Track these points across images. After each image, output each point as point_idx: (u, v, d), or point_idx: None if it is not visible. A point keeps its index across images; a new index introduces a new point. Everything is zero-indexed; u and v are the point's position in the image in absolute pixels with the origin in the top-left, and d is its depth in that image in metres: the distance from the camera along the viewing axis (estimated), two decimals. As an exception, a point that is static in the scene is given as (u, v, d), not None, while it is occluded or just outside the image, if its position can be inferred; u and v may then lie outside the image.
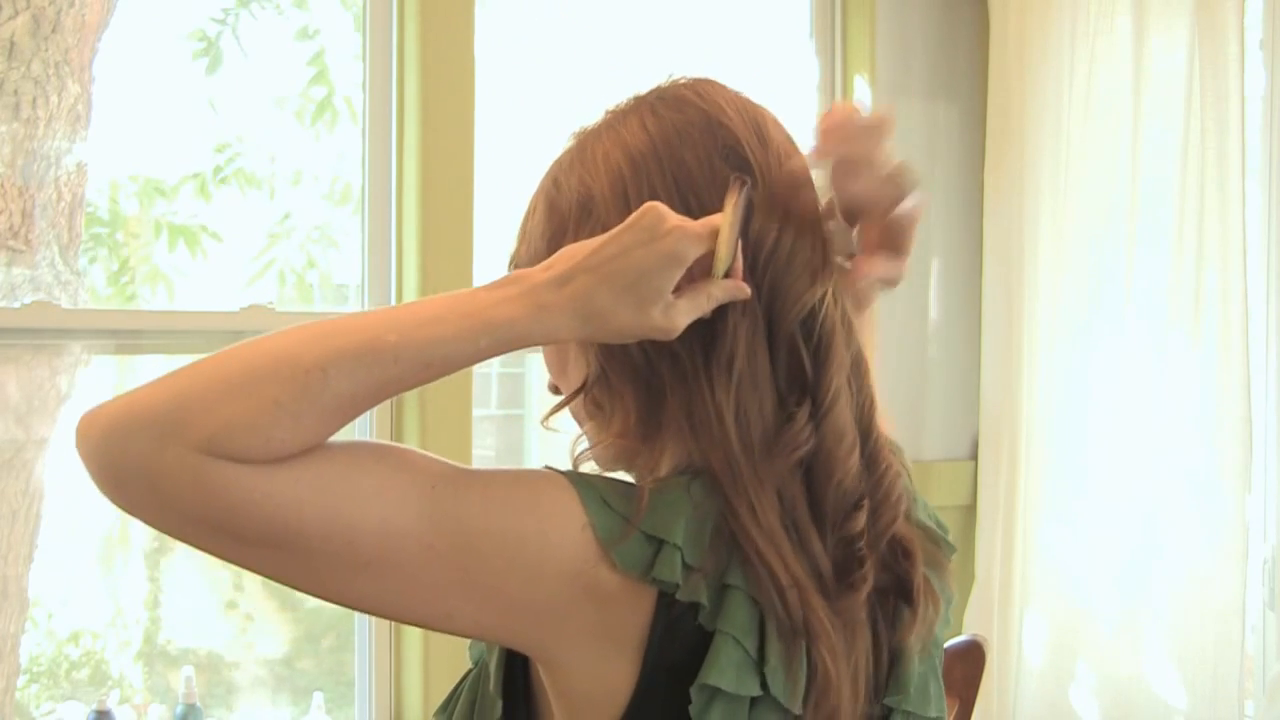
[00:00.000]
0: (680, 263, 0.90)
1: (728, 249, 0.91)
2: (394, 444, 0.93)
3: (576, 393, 1.02)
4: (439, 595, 0.90)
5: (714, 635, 0.92)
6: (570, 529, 0.91)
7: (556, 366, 1.05)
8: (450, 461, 0.93)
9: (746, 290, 0.94)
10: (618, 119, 1.03)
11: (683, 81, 1.04)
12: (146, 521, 0.88)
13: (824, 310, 0.98)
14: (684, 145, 0.99)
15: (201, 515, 0.86)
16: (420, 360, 0.88)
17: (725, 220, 0.91)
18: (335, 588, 0.90)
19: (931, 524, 1.07)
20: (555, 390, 1.07)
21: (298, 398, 0.85)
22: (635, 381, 0.98)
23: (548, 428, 1.08)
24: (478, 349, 0.89)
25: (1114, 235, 2.83)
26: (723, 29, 2.99)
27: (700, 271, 0.92)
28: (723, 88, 1.04)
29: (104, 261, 2.51)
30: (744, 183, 0.91)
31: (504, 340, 0.90)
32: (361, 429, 2.33)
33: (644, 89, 1.04)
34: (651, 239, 0.90)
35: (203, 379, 0.86)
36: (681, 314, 0.92)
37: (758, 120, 1.02)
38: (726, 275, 0.93)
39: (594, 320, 0.90)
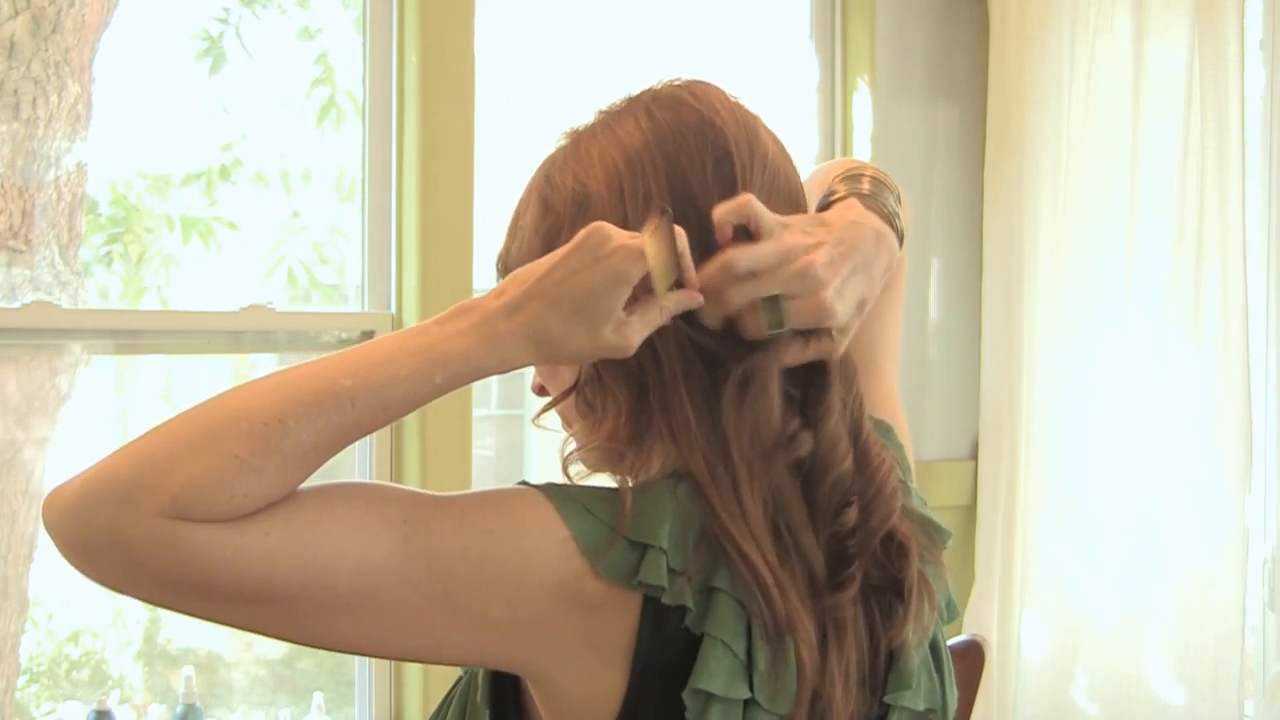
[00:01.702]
0: (625, 281, 0.90)
1: (661, 266, 0.91)
2: (362, 481, 0.94)
3: (568, 392, 1.02)
4: (424, 627, 0.90)
5: (702, 639, 0.92)
6: (549, 544, 0.91)
7: (547, 367, 1.05)
8: (422, 491, 0.93)
9: (699, 298, 0.94)
10: (612, 118, 1.03)
11: (678, 83, 1.04)
12: (121, 591, 0.87)
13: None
14: (679, 145, 0.99)
15: (175, 579, 0.85)
16: (377, 402, 0.88)
17: (647, 241, 0.91)
18: (320, 634, 0.90)
19: (925, 511, 1.07)
20: (540, 391, 1.07)
21: (258, 451, 0.85)
22: (627, 381, 0.98)
23: (539, 426, 1.08)
24: (434, 386, 0.89)
25: (1114, 235, 2.83)
26: (723, 29, 2.99)
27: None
28: (719, 90, 1.04)
29: (116, 259, 2.51)
30: (663, 210, 0.91)
31: (459, 374, 0.90)
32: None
33: (637, 90, 1.04)
34: (595, 260, 0.89)
35: (162, 441, 0.86)
36: (634, 331, 0.91)
37: (750, 125, 1.02)
38: (680, 286, 0.93)
39: (547, 346, 0.90)
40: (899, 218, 1.06)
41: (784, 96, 3.04)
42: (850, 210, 1.01)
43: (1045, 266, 2.87)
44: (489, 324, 0.90)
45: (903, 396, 1.22)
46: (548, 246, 0.98)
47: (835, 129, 3.02)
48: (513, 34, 2.69)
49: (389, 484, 0.93)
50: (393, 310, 2.43)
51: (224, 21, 2.44)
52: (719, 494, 0.94)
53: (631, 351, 0.92)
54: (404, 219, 2.42)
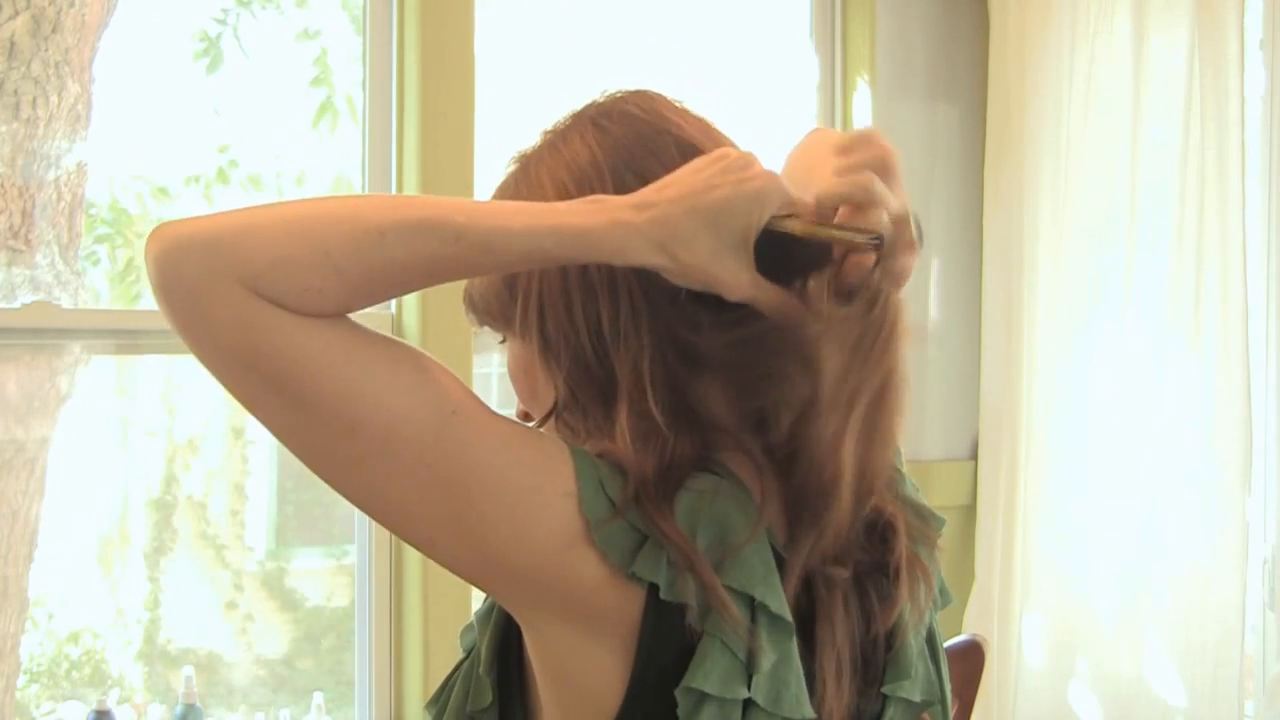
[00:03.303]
0: (764, 203, 0.90)
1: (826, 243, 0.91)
2: (436, 360, 0.94)
3: (546, 417, 1.02)
4: (426, 517, 0.91)
5: (702, 636, 0.92)
6: (559, 498, 0.91)
7: (527, 392, 1.05)
8: (481, 400, 0.93)
9: (798, 316, 0.93)
10: (558, 138, 1.03)
11: (621, 95, 1.04)
12: (183, 337, 0.90)
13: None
14: (636, 155, 0.99)
15: (231, 345, 0.88)
16: (481, 244, 0.88)
17: (836, 232, 0.91)
18: (330, 468, 0.92)
19: (917, 498, 1.06)
20: (525, 418, 1.06)
21: (349, 253, 0.87)
22: (602, 401, 0.98)
23: None
24: (541, 248, 0.89)
25: (1114, 235, 2.83)
26: (723, 29, 2.99)
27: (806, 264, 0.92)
28: (663, 98, 1.04)
29: (108, 261, 2.51)
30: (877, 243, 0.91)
31: (570, 245, 0.90)
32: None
33: (580, 105, 1.04)
34: (739, 180, 0.90)
35: (265, 216, 0.89)
36: (751, 283, 0.91)
37: (703, 125, 1.03)
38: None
39: (668, 248, 0.89)
40: None
41: (784, 96, 3.04)
42: None
43: (1045, 266, 2.87)
44: (615, 212, 0.90)
45: (902, 396, 1.22)
46: (508, 275, 0.99)
47: (835, 128, 3.02)
48: (513, 34, 2.68)
49: (458, 378, 0.93)
50: (392, 310, 2.43)
51: (222, 22, 2.44)
52: (653, 503, 0.93)
53: (737, 295, 0.92)
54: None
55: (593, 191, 0.97)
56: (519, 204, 0.92)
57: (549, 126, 1.04)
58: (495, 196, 1.05)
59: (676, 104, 1.04)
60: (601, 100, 1.04)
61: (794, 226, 0.91)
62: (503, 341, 1.06)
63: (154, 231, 0.89)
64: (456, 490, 0.90)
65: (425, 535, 0.93)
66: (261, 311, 0.86)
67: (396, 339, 0.93)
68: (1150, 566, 2.79)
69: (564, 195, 0.98)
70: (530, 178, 1.02)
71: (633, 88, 1.05)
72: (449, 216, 0.88)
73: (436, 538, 0.92)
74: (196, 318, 0.88)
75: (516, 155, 1.05)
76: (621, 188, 0.96)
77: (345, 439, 0.89)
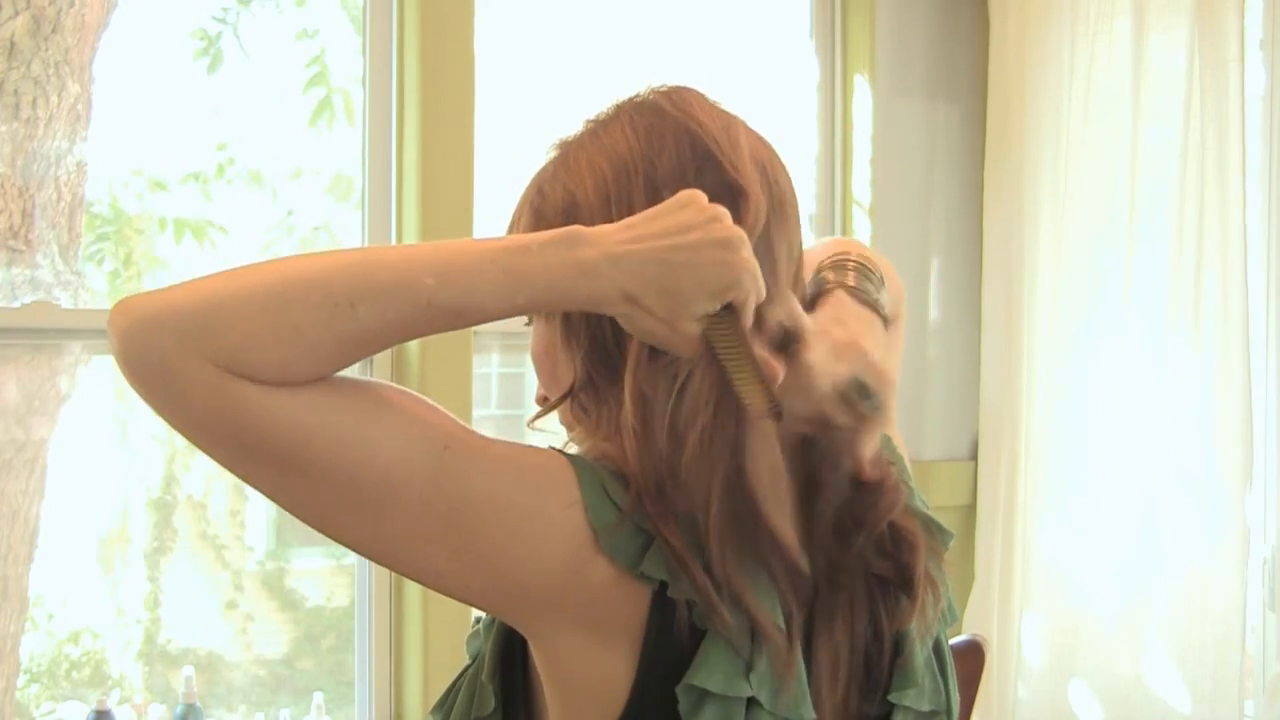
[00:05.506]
0: (720, 292, 0.91)
1: (749, 386, 0.93)
2: (418, 395, 0.94)
3: (563, 398, 1.03)
4: (431, 553, 0.91)
5: (705, 634, 0.92)
6: (565, 509, 0.92)
7: (548, 374, 1.06)
8: (467, 426, 0.93)
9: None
10: (599, 127, 1.04)
11: (660, 89, 1.05)
12: (159, 414, 0.89)
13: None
14: (660, 151, 1.00)
15: (209, 422, 0.87)
16: (453, 308, 0.89)
17: (728, 356, 0.93)
18: (333, 523, 0.91)
19: (928, 513, 1.07)
20: (543, 401, 1.07)
21: (320, 327, 0.86)
22: (617, 385, 0.98)
23: (535, 429, 1.08)
24: (513, 305, 0.90)
25: (1114, 235, 2.83)
26: (723, 29, 2.99)
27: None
28: (698, 95, 1.05)
29: (109, 261, 2.51)
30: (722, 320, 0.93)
31: (541, 300, 0.91)
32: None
33: (624, 97, 1.06)
34: (721, 262, 0.90)
35: (232, 290, 0.87)
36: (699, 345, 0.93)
37: (729, 127, 1.03)
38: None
39: (632, 304, 0.91)
40: (882, 305, 1.10)
41: (784, 96, 3.04)
42: (841, 308, 1.06)
43: (1045, 266, 2.87)
44: (590, 261, 0.90)
45: (903, 396, 1.23)
46: None
47: (835, 128, 3.02)
48: (513, 34, 2.68)
49: (442, 409, 0.93)
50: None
51: (222, 21, 2.44)
52: (654, 505, 0.93)
53: (688, 354, 0.93)
54: (404, 219, 2.42)
55: (629, 180, 0.99)
56: (491, 254, 0.90)
57: (591, 115, 1.05)
58: (533, 182, 1.06)
59: (710, 102, 1.05)
60: (643, 93, 1.05)
61: (723, 353, 0.93)
62: (528, 324, 1.07)
63: (118, 305, 0.87)
64: (460, 521, 0.90)
65: (433, 571, 0.93)
66: (239, 390, 0.85)
67: (374, 382, 0.92)
68: (1150, 566, 2.79)
69: (601, 182, 1.00)
70: (570, 164, 1.03)
71: (673, 83, 1.06)
72: (419, 280, 0.87)
73: (445, 571, 0.92)
74: (168, 397, 0.87)
75: (557, 142, 1.06)
76: (650, 183, 0.98)
77: (342, 493, 0.89)
